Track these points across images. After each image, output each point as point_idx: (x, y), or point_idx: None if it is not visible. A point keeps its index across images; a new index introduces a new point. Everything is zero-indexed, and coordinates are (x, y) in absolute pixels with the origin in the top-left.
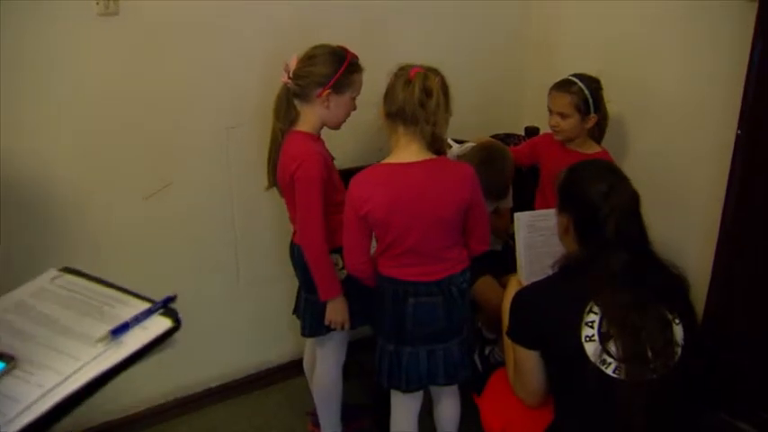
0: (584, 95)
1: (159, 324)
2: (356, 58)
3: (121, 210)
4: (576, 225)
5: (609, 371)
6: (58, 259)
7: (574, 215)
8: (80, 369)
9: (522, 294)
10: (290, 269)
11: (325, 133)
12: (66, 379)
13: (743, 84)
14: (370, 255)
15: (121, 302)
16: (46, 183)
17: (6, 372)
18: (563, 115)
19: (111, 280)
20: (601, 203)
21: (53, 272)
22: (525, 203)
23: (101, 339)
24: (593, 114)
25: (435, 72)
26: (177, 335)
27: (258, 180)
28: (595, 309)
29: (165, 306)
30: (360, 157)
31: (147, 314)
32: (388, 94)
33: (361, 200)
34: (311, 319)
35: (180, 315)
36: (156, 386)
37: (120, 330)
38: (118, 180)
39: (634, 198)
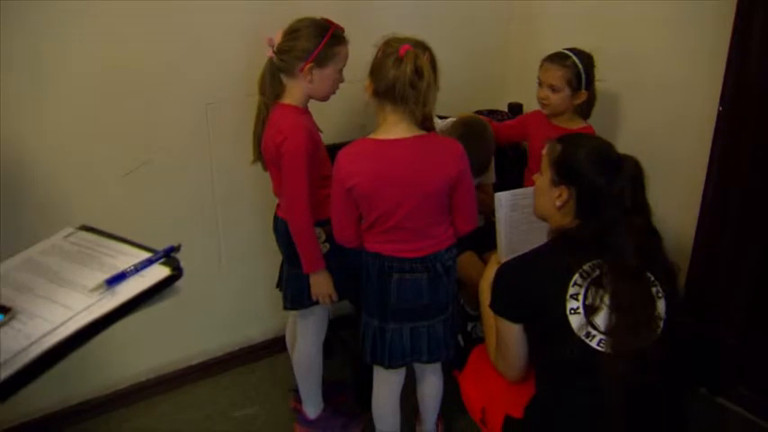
0: (578, 70)
1: (157, 273)
2: (341, 30)
3: (102, 189)
4: (579, 198)
5: (593, 344)
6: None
7: (577, 189)
8: (71, 318)
9: (506, 267)
10: (273, 246)
11: (312, 107)
12: (55, 328)
13: (725, 60)
14: (359, 225)
15: (126, 254)
16: (25, 164)
17: (4, 323)
18: (554, 88)
19: None
20: (614, 175)
21: (68, 229)
22: (507, 180)
23: (95, 288)
24: (583, 90)
25: (424, 47)
26: (162, 306)
27: (239, 155)
28: (580, 281)
29: (168, 256)
30: (346, 132)
31: (146, 264)
32: (376, 71)
33: (348, 173)
34: (293, 292)
35: (181, 264)
36: (138, 363)
37: (117, 280)
38: (97, 159)
39: (639, 166)
